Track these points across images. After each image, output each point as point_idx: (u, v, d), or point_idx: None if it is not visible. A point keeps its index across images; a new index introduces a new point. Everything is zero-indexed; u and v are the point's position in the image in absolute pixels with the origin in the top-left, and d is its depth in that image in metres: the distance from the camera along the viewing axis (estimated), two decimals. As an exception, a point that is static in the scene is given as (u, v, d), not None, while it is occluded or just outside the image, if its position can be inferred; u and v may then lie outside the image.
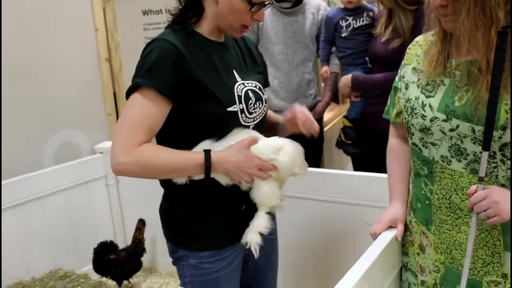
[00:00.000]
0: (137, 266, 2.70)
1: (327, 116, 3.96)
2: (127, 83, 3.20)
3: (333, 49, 3.07)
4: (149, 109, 1.38)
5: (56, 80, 2.88)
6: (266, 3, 1.44)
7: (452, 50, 1.35)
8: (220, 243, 1.55)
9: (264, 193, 1.48)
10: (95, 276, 2.64)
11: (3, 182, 2.48)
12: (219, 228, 1.55)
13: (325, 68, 3.11)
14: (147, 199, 2.92)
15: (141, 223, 2.83)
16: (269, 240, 1.65)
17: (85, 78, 3.08)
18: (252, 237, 1.47)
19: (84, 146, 3.06)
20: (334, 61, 3.16)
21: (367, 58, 2.82)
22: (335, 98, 4.49)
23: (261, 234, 1.49)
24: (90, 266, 2.67)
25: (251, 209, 1.54)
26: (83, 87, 3.06)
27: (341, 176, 2.21)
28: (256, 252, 1.47)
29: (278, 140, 1.51)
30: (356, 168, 2.97)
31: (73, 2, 2.99)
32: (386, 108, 1.60)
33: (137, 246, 2.73)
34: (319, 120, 3.22)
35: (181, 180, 1.46)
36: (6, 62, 2.60)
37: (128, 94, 1.42)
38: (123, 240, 3.12)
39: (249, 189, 1.51)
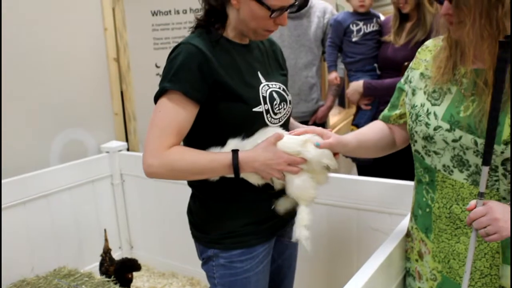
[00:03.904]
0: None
1: (333, 120, 3.95)
2: (135, 83, 3.28)
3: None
4: (177, 113, 1.40)
5: (64, 79, 2.90)
6: (287, 7, 1.44)
7: (460, 56, 1.33)
8: (251, 241, 1.56)
9: (298, 186, 1.47)
10: (99, 275, 2.66)
11: (9, 179, 2.50)
12: (250, 226, 1.56)
13: (334, 74, 3.05)
14: (152, 199, 2.95)
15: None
16: (293, 244, 1.66)
17: (93, 77, 3.10)
18: (301, 233, 1.47)
19: (90, 145, 3.08)
20: (339, 66, 3.14)
21: (375, 65, 2.80)
22: (341, 102, 4.47)
23: (307, 227, 1.49)
24: (94, 264, 2.68)
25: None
26: (91, 86, 3.08)
27: (347, 180, 2.21)
28: (307, 247, 1.47)
29: (304, 134, 1.51)
30: (361, 175, 2.96)
31: (83, 2, 3.01)
32: (383, 111, 1.60)
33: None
34: (322, 124, 3.21)
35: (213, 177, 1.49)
36: (14, 60, 2.62)
37: (156, 98, 1.44)
38: (127, 240, 3.13)
39: (282, 186, 1.51)
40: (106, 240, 2.70)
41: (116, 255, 3.04)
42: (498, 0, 1.14)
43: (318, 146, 1.45)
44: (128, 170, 3.03)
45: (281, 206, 1.56)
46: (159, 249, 3.04)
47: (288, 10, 1.46)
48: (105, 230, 2.72)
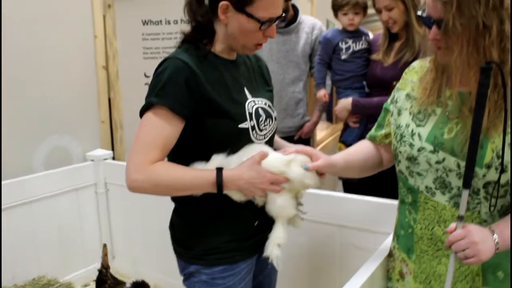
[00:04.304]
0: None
1: (320, 135, 3.96)
2: (123, 91, 3.26)
3: None
4: (163, 128, 1.40)
5: (51, 85, 2.89)
6: (275, 18, 1.44)
7: (446, 79, 1.34)
8: (233, 257, 1.56)
9: (279, 205, 1.49)
10: (79, 285, 2.62)
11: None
12: (233, 242, 1.55)
13: (323, 91, 3.03)
14: (136, 209, 2.93)
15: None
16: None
17: (81, 84, 3.09)
18: (273, 251, 1.49)
19: (75, 153, 3.06)
20: (327, 82, 3.14)
21: (364, 82, 2.81)
22: (329, 117, 4.48)
23: (280, 246, 1.51)
24: (74, 274, 2.64)
25: (264, 223, 1.55)
26: (78, 93, 3.07)
27: (332, 197, 2.21)
28: (277, 266, 1.49)
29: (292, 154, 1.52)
30: (346, 192, 2.95)
31: (74, 8, 3.01)
32: (370, 131, 1.61)
33: None
34: (307, 140, 3.21)
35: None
36: (1, 66, 2.60)
37: (142, 112, 1.43)
38: (110, 250, 3.10)
39: (263, 203, 1.52)
40: (105, 255, 2.60)
41: (98, 264, 3.01)
42: (486, 29, 1.16)
43: (306, 169, 1.46)
44: (113, 179, 3.01)
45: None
46: (142, 260, 3.01)
47: (277, 23, 1.46)
48: (104, 245, 2.64)
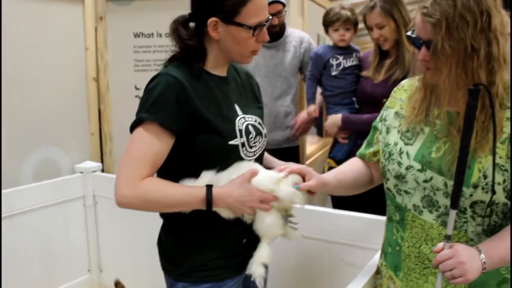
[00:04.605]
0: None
1: (309, 149, 3.97)
2: (114, 103, 3.25)
3: None
4: (153, 143, 1.40)
5: (41, 97, 2.88)
6: (265, 22, 1.46)
7: (435, 98, 1.36)
8: (221, 274, 1.55)
9: (267, 224, 1.49)
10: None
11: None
12: (220, 259, 1.55)
13: (313, 107, 3.04)
14: (124, 222, 2.90)
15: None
16: None
17: (71, 96, 3.08)
18: (256, 269, 1.48)
19: (64, 165, 3.04)
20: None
21: (354, 99, 2.83)
22: (319, 131, 4.49)
23: (265, 265, 1.50)
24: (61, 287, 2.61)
25: (252, 241, 1.54)
26: (68, 105, 3.06)
27: (321, 213, 2.21)
28: (260, 285, 1.48)
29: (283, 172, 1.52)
30: (335, 207, 2.95)
31: (65, 20, 3.01)
32: (360, 149, 1.62)
33: None
34: (296, 151, 3.21)
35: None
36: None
37: (132, 128, 1.43)
38: (97, 263, 3.07)
39: (252, 221, 1.51)
40: None
41: (85, 278, 2.99)
42: (474, 51, 1.18)
43: (298, 189, 1.46)
44: (101, 191, 2.99)
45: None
46: (130, 274, 2.98)
47: (266, 25, 1.47)
48: (118, 283, 2.55)
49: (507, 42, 1.22)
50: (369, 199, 2.34)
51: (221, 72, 1.55)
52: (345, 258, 2.11)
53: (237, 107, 1.55)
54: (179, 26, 1.49)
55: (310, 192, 1.50)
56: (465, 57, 1.19)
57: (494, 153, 1.20)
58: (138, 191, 1.38)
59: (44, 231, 2.77)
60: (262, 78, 2.98)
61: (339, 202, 2.84)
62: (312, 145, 4.27)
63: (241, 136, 1.50)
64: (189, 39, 1.48)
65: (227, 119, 1.49)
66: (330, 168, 2.78)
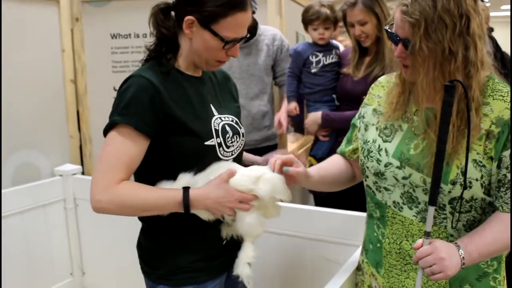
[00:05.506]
0: None
1: (291, 147, 3.96)
2: (92, 105, 3.22)
3: None
4: (127, 147, 1.38)
5: (18, 99, 2.83)
6: (239, 39, 1.45)
7: (412, 95, 1.37)
8: (201, 277, 1.54)
9: (247, 224, 1.47)
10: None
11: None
12: (200, 262, 1.54)
13: (293, 104, 3.02)
14: (105, 225, 2.88)
15: None
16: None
17: (49, 98, 3.04)
18: (243, 270, 1.47)
19: (43, 168, 3.00)
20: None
21: (334, 96, 2.84)
22: (300, 128, 4.51)
23: (250, 264, 1.49)
24: (43, 293, 2.58)
25: (232, 242, 1.54)
26: (46, 107, 3.02)
27: (302, 210, 2.22)
28: (248, 285, 1.47)
29: (257, 169, 1.50)
30: (318, 205, 2.96)
31: (41, 22, 2.97)
32: (340, 146, 1.62)
33: None
34: (275, 149, 3.20)
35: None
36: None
37: (106, 132, 1.41)
38: (79, 266, 3.04)
39: (232, 222, 1.50)
40: None
41: (68, 281, 2.96)
42: (451, 55, 1.19)
43: (287, 171, 1.44)
44: (82, 194, 2.95)
45: (224, 232, 1.55)
46: (112, 276, 2.96)
47: (240, 42, 1.47)
48: None
49: (485, 43, 1.23)
50: (351, 196, 2.36)
51: (196, 72, 1.54)
52: (326, 255, 2.12)
53: (212, 108, 1.54)
54: (159, 12, 1.48)
55: (291, 180, 1.47)
56: (442, 59, 1.20)
57: (468, 149, 1.21)
58: (113, 196, 1.36)
59: (25, 236, 2.73)
60: (236, 79, 2.93)
61: (322, 200, 2.86)
62: (293, 143, 4.27)
63: (217, 136, 1.49)
64: (165, 28, 1.47)
65: (203, 119, 1.48)
66: (311, 166, 2.79)
